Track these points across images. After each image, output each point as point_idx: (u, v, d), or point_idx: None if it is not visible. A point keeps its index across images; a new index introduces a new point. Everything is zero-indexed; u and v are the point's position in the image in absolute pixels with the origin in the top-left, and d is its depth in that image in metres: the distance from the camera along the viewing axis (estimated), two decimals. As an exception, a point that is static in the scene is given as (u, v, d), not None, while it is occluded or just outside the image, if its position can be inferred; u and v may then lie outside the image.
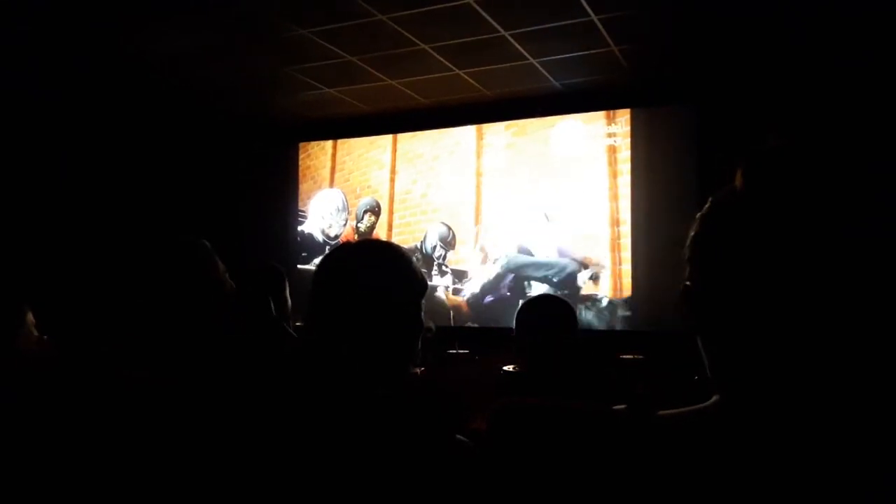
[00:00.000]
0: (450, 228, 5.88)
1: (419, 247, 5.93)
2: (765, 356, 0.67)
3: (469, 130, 5.86)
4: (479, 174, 5.81)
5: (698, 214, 0.74)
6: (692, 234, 0.74)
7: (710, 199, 0.74)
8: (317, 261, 6.07)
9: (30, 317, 2.39)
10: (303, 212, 6.49)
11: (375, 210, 6.22)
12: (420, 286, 1.27)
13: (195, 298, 1.49)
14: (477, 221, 5.76)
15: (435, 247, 5.91)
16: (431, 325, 1.29)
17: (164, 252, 1.53)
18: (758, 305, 0.66)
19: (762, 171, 0.68)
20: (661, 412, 0.75)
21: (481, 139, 5.83)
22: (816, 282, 0.63)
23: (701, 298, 0.73)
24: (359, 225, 6.24)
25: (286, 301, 2.92)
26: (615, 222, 5.29)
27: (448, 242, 5.87)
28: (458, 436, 1.13)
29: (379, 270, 1.24)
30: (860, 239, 0.62)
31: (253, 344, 2.68)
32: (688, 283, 0.75)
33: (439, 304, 5.71)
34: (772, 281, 0.65)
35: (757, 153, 0.69)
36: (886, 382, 0.63)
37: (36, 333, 2.43)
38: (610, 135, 5.36)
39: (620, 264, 5.24)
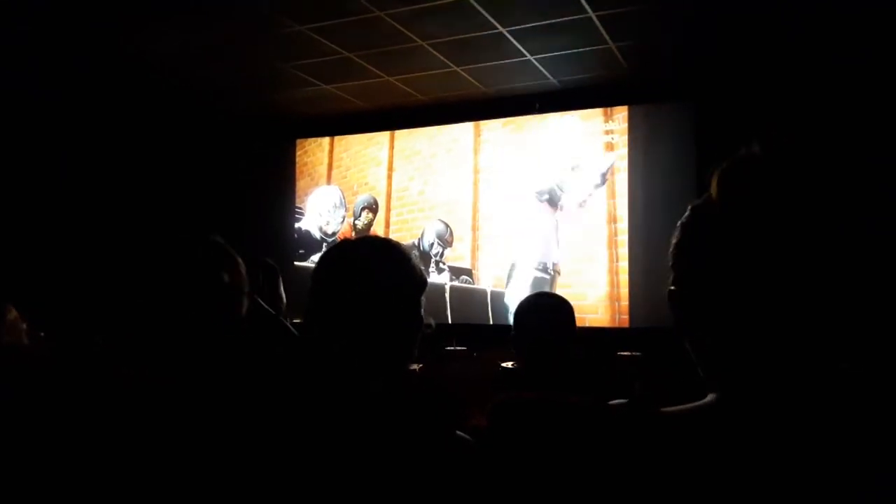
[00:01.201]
0: (447, 225, 5.88)
1: (417, 244, 5.92)
2: (747, 354, 0.69)
3: (467, 127, 5.86)
4: (476, 171, 5.81)
5: (679, 222, 0.77)
6: (674, 241, 0.77)
7: (689, 206, 0.77)
8: (314, 258, 6.09)
9: (13, 313, 2.39)
10: (300, 208, 6.48)
11: (373, 207, 6.21)
12: (420, 282, 1.28)
13: (194, 298, 1.49)
14: (475, 219, 5.76)
15: (433, 244, 5.90)
16: (431, 321, 1.29)
17: (164, 251, 1.53)
18: (735, 308, 0.69)
19: (733, 181, 0.71)
20: (663, 409, 0.76)
21: (479, 136, 5.82)
22: (787, 284, 0.66)
23: (685, 302, 0.75)
24: (356, 222, 6.24)
25: (281, 297, 2.92)
26: (612, 219, 5.29)
27: (445, 240, 5.87)
28: (458, 432, 1.14)
29: (379, 267, 1.24)
30: (824, 242, 0.66)
31: (252, 340, 2.68)
32: (672, 287, 0.77)
33: (438, 300, 5.72)
34: (746, 284, 0.68)
35: (730, 162, 0.72)
36: (850, 375, 0.66)
37: (25, 329, 2.43)
38: (608, 132, 5.36)
39: (618, 261, 5.25)
